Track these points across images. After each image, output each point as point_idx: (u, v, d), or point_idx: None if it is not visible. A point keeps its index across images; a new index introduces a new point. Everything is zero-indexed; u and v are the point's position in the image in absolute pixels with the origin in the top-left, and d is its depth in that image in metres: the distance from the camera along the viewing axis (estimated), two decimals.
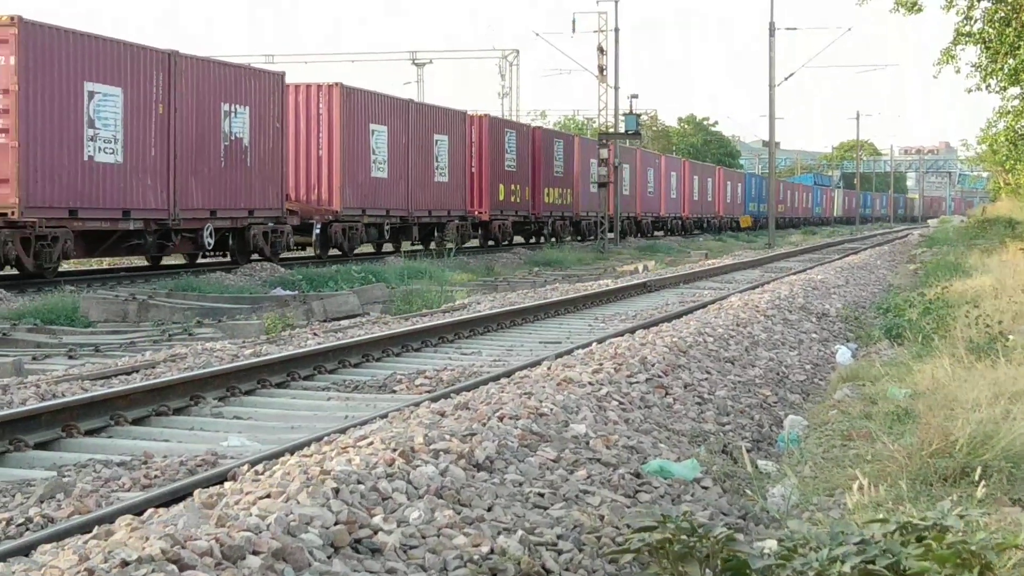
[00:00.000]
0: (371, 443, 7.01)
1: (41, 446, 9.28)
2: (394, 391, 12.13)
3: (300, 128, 35.47)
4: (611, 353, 12.04)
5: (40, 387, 11.17)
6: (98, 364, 13.69)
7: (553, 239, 53.44)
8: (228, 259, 32.29)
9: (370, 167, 37.43)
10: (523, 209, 50.59)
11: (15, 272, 25.47)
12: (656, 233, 70.81)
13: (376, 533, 5.62)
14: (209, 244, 30.41)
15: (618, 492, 7.13)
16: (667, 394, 10.58)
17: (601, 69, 57.10)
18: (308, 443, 8.17)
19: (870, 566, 4.92)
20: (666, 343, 12.94)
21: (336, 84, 35.96)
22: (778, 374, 13.37)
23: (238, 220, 31.40)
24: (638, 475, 7.58)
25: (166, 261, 32.69)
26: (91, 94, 25.58)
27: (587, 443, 8.01)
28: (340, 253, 36.71)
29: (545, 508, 6.59)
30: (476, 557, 5.56)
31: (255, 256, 32.43)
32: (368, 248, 41.34)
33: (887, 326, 16.79)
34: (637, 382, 10.60)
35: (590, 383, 10.04)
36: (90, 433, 9.78)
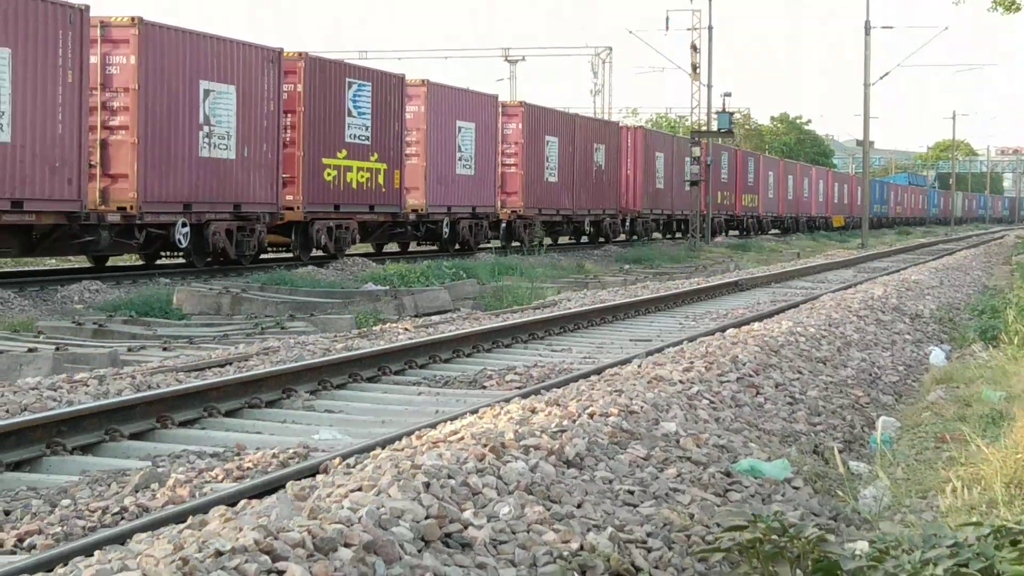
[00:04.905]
0: (461, 438, 7.04)
1: (136, 436, 9.39)
2: (484, 387, 12.14)
3: (617, 154, 51.81)
4: (702, 352, 11.99)
5: (135, 378, 11.29)
6: (192, 356, 13.82)
7: (748, 231, 69.46)
8: (588, 242, 50.23)
9: (656, 181, 55.67)
10: (729, 210, 66.22)
11: (436, 247, 40.26)
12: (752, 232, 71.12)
13: (466, 528, 5.63)
14: (587, 231, 49.39)
15: (708, 491, 7.11)
16: (758, 393, 10.53)
17: (694, 67, 57.02)
18: (399, 437, 8.20)
19: (963, 569, 4.87)
20: (757, 342, 12.86)
21: (640, 127, 57.18)
22: (870, 375, 13.26)
23: (598, 216, 50.17)
24: (728, 474, 7.55)
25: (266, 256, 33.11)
26: (459, 128, 39.61)
27: (677, 441, 7.98)
28: (636, 238, 54.03)
29: (635, 506, 6.58)
30: (566, 553, 5.56)
31: (601, 239, 50.50)
32: (657, 235, 57.91)
33: (982, 328, 16.59)
34: (728, 381, 10.55)
35: (680, 381, 10.01)
36: (184, 424, 9.89)
